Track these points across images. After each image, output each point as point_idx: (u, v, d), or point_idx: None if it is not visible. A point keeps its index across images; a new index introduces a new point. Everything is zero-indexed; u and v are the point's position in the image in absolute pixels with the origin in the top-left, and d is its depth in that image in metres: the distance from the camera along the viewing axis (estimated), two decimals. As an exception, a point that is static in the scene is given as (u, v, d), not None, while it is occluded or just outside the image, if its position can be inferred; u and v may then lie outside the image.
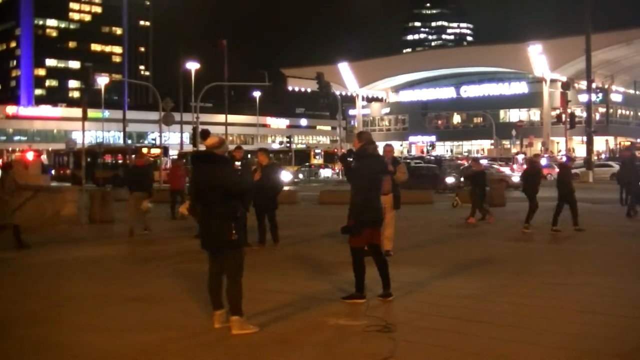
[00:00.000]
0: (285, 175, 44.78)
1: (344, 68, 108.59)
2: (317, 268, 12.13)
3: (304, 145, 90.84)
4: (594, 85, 67.11)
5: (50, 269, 12.79)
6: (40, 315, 8.97)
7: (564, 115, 32.79)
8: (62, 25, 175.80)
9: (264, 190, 14.36)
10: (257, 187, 13.68)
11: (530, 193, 18.68)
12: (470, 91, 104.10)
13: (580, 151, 77.33)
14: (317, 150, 75.34)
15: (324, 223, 19.71)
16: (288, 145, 77.55)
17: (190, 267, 12.90)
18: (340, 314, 8.59)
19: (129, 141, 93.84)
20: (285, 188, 21.46)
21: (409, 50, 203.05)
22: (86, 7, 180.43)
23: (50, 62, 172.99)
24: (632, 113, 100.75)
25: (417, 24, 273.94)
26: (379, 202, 9.74)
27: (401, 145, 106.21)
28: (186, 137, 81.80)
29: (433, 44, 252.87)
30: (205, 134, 9.11)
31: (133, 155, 43.45)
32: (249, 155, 25.86)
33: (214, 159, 8.14)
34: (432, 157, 66.25)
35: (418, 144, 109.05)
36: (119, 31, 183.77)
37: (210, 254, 8.20)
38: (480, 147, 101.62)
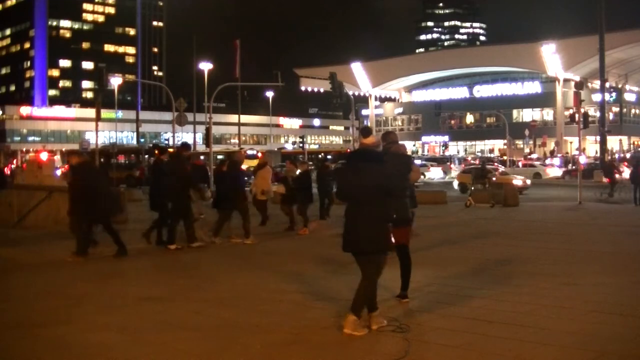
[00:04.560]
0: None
1: (357, 68, 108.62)
2: (331, 267, 12.14)
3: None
4: (607, 85, 67.01)
5: (66, 269, 12.85)
6: (56, 314, 9.03)
7: (577, 115, 32.61)
8: (76, 26, 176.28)
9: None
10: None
11: None
12: (483, 91, 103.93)
13: (594, 151, 77.19)
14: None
15: (339, 222, 19.68)
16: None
17: (202, 265, 12.97)
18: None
19: (142, 140, 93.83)
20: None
21: (422, 50, 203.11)
22: (100, 8, 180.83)
23: (64, 62, 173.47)
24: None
25: (430, 23, 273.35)
26: (402, 200, 9.27)
27: (414, 145, 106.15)
28: (199, 137, 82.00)
29: (446, 43, 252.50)
30: (367, 132, 8.73)
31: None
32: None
33: (378, 157, 7.93)
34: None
35: (431, 143, 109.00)
36: (132, 32, 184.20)
37: (356, 257, 7.93)
38: (492, 146, 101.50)
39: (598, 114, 66.31)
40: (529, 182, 39.37)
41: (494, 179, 31.65)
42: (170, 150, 20.31)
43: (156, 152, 17.79)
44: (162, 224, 15.65)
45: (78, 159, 14.61)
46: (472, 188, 30.34)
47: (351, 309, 7.77)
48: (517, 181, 36.87)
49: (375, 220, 7.67)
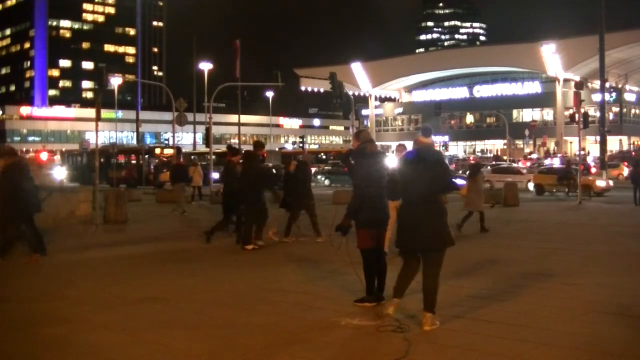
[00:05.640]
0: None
1: (357, 68, 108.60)
2: (331, 267, 12.13)
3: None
4: (607, 85, 66.94)
5: (66, 269, 12.85)
6: (57, 314, 9.01)
7: (577, 115, 32.60)
8: (76, 26, 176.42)
9: None
10: None
11: None
12: (483, 91, 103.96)
13: (594, 151, 77.16)
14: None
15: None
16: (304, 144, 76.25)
17: (202, 265, 12.96)
18: (354, 314, 8.58)
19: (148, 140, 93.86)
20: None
21: (422, 50, 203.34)
22: (100, 8, 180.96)
23: (64, 62, 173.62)
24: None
25: (430, 23, 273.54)
26: (382, 201, 9.20)
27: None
28: (199, 137, 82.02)
29: (446, 43, 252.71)
30: (428, 132, 8.71)
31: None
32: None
33: (440, 157, 8.23)
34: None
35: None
36: (132, 32, 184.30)
37: (410, 253, 8.14)
38: (492, 146, 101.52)
39: (598, 114, 66.20)
40: (611, 183, 38.69)
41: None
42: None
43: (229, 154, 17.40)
44: (238, 224, 15.85)
45: (8, 159, 13.93)
46: (554, 190, 30.37)
47: (425, 309, 7.93)
48: (601, 182, 36.15)
49: (441, 218, 7.95)
